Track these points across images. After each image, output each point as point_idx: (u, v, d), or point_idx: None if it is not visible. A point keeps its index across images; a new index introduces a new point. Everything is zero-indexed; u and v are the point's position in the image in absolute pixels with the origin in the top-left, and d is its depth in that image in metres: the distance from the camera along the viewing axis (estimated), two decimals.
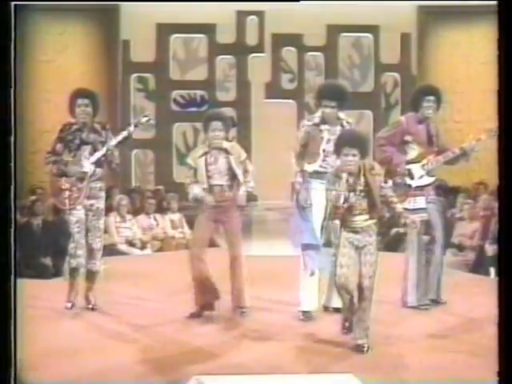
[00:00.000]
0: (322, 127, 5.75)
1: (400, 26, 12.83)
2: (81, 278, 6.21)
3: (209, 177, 5.83)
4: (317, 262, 5.69)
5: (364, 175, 4.87)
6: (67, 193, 6.05)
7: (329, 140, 5.68)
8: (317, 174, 5.70)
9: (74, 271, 6.16)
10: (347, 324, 5.08)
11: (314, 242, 5.67)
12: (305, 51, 13.17)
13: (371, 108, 13.23)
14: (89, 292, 6.18)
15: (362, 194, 4.88)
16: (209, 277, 5.83)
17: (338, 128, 5.71)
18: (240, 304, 5.90)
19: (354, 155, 4.83)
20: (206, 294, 5.84)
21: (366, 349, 4.96)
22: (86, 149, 6.05)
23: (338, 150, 4.96)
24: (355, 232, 4.95)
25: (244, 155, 5.99)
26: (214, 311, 5.88)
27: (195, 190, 5.81)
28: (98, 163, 6.06)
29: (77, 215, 6.06)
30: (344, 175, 4.81)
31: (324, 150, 5.69)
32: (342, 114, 5.82)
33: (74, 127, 6.10)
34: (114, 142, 6.05)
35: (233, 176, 5.86)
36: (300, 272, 5.77)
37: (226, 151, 5.87)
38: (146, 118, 6.27)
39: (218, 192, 5.84)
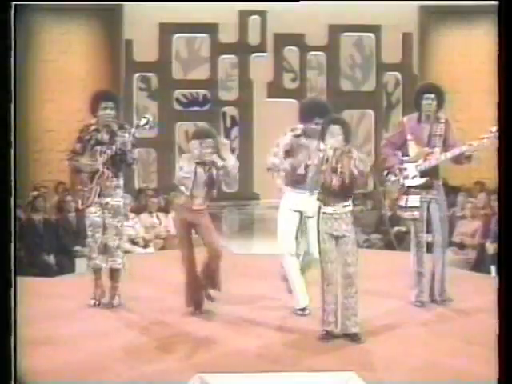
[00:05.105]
0: (303, 141, 5.75)
1: (401, 25, 12.81)
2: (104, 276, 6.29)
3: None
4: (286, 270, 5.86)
5: (341, 157, 5.03)
6: (81, 192, 6.14)
7: (307, 155, 5.64)
8: (296, 183, 5.73)
9: (93, 271, 6.26)
10: (328, 329, 5.12)
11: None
12: (307, 51, 13.14)
13: (373, 107, 13.24)
14: (114, 291, 6.24)
15: (341, 177, 5.00)
16: (197, 277, 5.91)
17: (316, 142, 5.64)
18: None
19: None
20: (194, 295, 5.93)
21: (362, 338, 5.02)
22: (100, 149, 6.08)
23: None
24: (333, 219, 5.02)
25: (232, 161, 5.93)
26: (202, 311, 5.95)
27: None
28: (110, 162, 6.08)
29: (90, 218, 6.16)
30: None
31: (305, 165, 5.62)
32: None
33: (92, 127, 6.17)
34: (118, 145, 6.03)
35: (211, 187, 5.87)
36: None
37: (213, 163, 5.86)
38: (144, 120, 6.09)
39: (196, 200, 5.86)
